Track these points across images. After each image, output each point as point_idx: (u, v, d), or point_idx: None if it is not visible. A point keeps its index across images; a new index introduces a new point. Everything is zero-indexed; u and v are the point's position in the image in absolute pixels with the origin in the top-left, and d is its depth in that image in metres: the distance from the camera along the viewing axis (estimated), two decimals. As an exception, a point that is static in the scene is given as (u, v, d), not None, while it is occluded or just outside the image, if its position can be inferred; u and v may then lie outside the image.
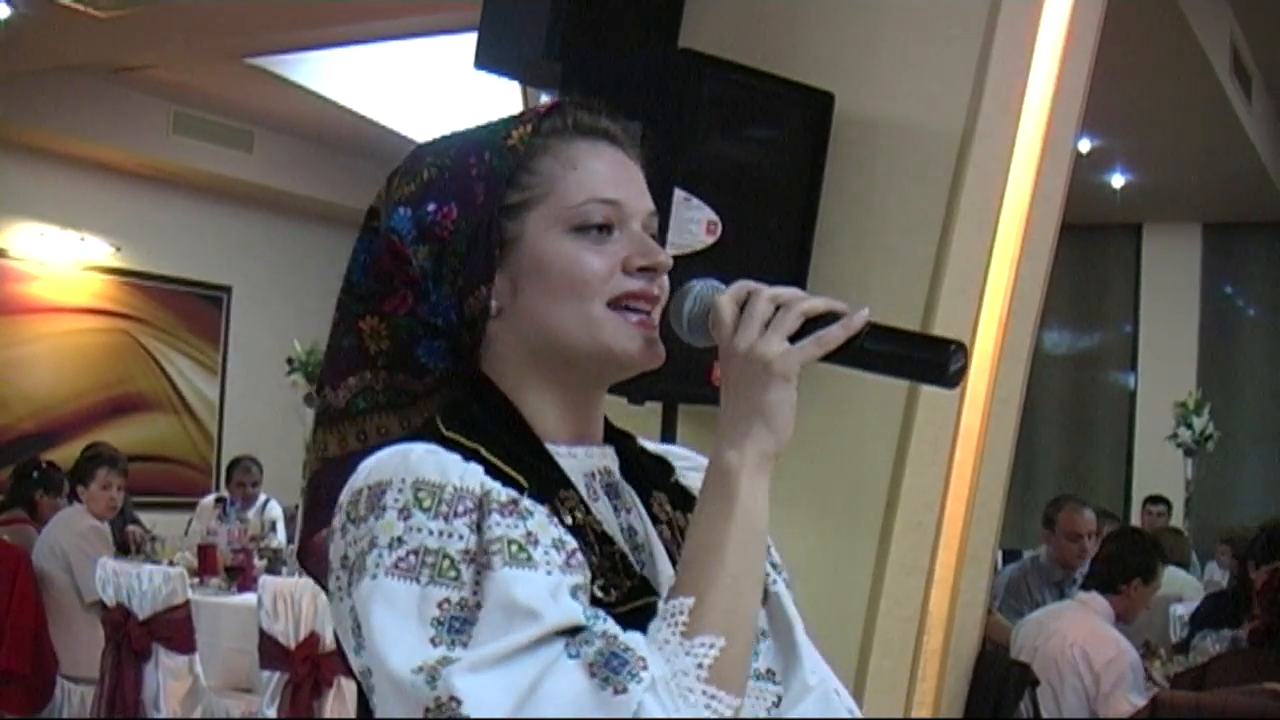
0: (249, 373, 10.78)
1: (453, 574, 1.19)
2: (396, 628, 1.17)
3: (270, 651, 5.65)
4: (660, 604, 1.24)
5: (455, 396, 1.39)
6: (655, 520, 1.42)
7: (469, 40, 3.67)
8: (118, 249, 10.10)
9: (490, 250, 1.35)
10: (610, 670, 1.13)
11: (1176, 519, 9.67)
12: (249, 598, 6.01)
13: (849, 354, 1.28)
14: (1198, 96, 7.91)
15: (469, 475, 1.24)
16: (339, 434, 1.44)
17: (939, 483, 3.62)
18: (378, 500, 1.22)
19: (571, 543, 1.23)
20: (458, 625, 1.17)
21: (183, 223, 10.54)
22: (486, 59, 3.63)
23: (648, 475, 1.46)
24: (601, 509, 1.36)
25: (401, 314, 1.41)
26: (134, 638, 5.89)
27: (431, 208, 1.36)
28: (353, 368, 1.43)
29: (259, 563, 6.73)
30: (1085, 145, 8.40)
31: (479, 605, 1.17)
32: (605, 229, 1.35)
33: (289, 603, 5.63)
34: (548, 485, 1.30)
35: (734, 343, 1.28)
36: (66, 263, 9.84)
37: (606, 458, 1.43)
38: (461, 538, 1.20)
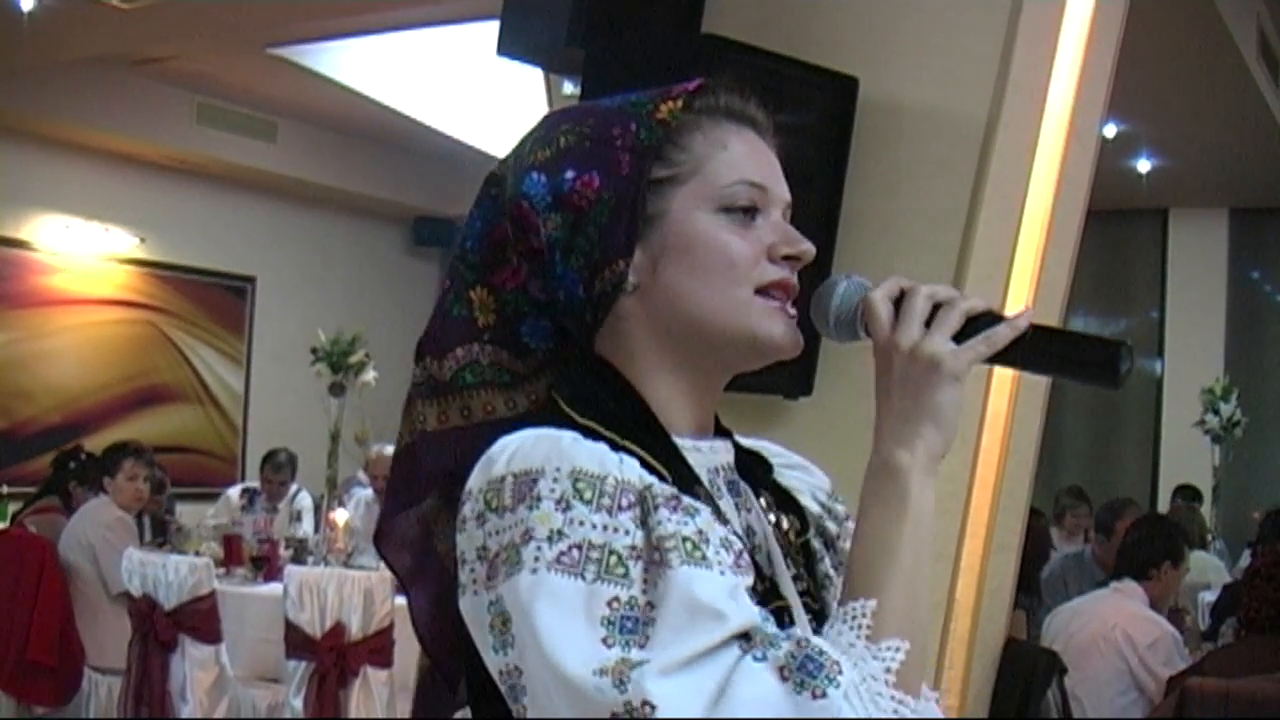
0: (273, 363, 10.79)
1: (620, 571, 1.14)
2: (565, 627, 1.12)
3: (296, 641, 5.67)
4: (835, 606, 1.22)
5: (571, 379, 1.34)
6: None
7: (491, 28, 3.66)
8: (142, 240, 10.13)
9: (634, 223, 1.30)
10: (806, 674, 1.10)
11: (1204, 506, 9.61)
12: (275, 587, 6.03)
13: (1015, 354, 1.27)
14: (1224, 80, 7.85)
15: (627, 467, 1.19)
16: (440, 407, 1.37)
17: (965, 470, 3.60)
18: (529, 489, 1.17)
19: (737, 543, 1.19)
20: (629, 625, 1.12)
21: (207, 214, 10.56)
22: (509, 46, 3.63)
23: (754, 473, 1.43)
24: (725, 507, 1.32)
25: (509, 288, 1.36)
26: (160, 628, 5.90)
27: (570, 175, 1.31)
28: (462, 339, 1.37)
29: (285, 552, 6.74)
30: (1111, 130, 8.34)
31: (649, 605, 1.13)
32: (750, 212, 1.32)
33: (315, 592, 5.65)
34: (683, 482, 1.26)
35: (896, 340, 1.26)
36: (91, 254, 9.87)
37: (727, 452, 1.39)
38: (627, 533, 1.15)
